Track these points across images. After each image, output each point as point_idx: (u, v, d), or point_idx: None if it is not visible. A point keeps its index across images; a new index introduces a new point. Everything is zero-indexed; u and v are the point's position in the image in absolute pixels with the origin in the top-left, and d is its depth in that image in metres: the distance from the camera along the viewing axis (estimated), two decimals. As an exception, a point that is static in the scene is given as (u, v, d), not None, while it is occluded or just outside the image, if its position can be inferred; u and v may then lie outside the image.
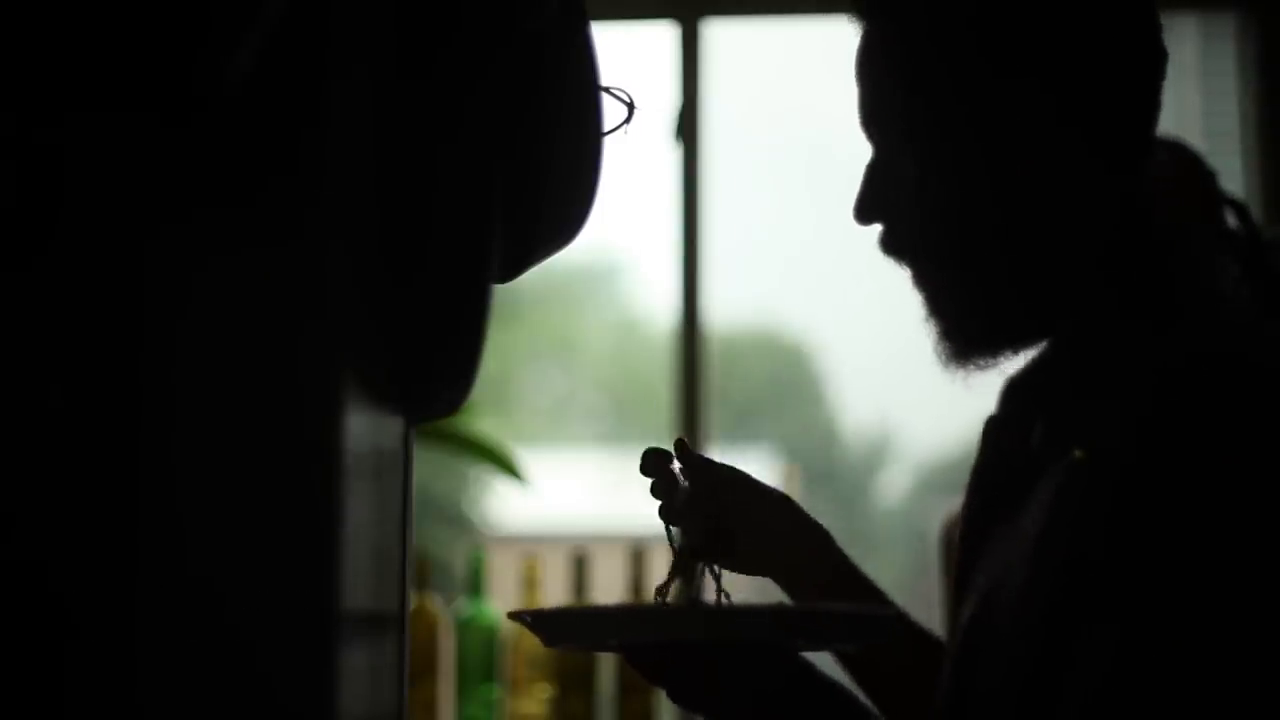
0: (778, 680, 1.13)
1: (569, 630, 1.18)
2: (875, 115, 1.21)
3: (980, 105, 1.15)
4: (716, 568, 1.22)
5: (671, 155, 2.88)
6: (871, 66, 1.21)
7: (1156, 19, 1.18)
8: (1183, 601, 1.01)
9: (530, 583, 2.60)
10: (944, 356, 1.19)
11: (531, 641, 2.58)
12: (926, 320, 1.20)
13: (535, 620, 1.14)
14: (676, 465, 1.25)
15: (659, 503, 1.25)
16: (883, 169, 1.20)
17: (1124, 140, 1.17)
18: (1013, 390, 1.26)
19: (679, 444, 1.26)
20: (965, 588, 1.22)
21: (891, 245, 1.20)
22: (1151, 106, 1.18)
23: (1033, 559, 1.09)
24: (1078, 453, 1.08)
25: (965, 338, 1.18)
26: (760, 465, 6.54)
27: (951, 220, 1.16)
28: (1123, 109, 1.17)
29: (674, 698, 1.14)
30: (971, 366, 1.19)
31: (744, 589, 1.28)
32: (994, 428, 1.26)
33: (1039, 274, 1.16)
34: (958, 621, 1.21)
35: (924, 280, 1.19)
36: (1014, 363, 1.21)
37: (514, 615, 1.16)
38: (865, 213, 1.21)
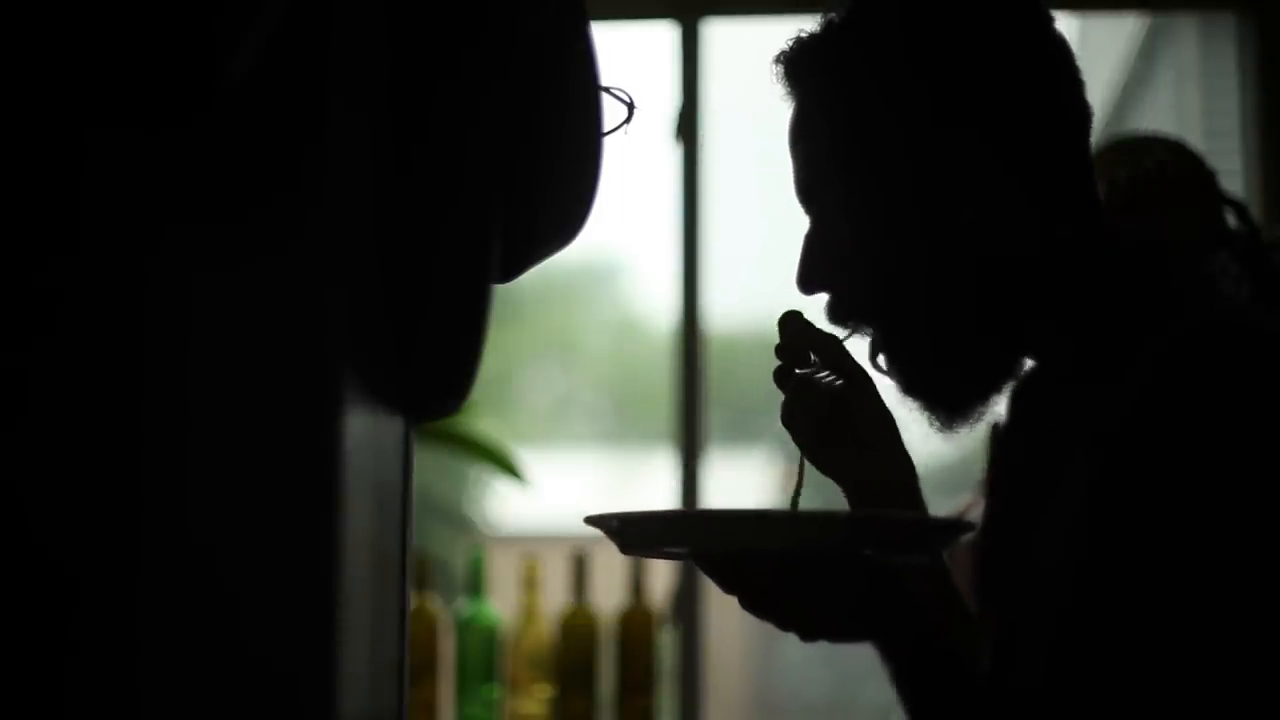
0: (854, 588, 1.13)
1: (648, 536, 1.15)
2: (809, 188, 1.23)
3: (911, 166, 1.17)
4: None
5: (671, 155, 2.88)
6: (801, 142, 1.23)
7: (1077, 72, 1.20)
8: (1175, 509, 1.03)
9: (530, 583, 2.60)
10: (936, 426, 1.21)
11: (531, 641, 2.58)
12: (904, 399, 1.21)
13: (620, 525, 1.12)
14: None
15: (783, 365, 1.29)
16: (821, 239, 1.22)
17: (1058, 171, 1.18)
18: (1020, 396, 1.26)
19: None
20: (992, 589, 1.23)
21: (838, 313, 1.23)
22: (1078, 127, 1.20)
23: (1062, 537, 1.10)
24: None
25: (946, 404, 1.20)
26: (760, 465, 6.54)
27: (897, 280, 1.18)
28: (1050, 143, 1.18)
29: (747, 606, 1.14)
30: (966, 423, 1.21)
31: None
32: (1004, 435, 1.26)
33: (993, 314, 1.17)
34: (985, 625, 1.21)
35: (883, 349, 1.21)
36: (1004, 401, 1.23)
37: (593, 520, 1.13)
38: (809, 283, 1.23)
